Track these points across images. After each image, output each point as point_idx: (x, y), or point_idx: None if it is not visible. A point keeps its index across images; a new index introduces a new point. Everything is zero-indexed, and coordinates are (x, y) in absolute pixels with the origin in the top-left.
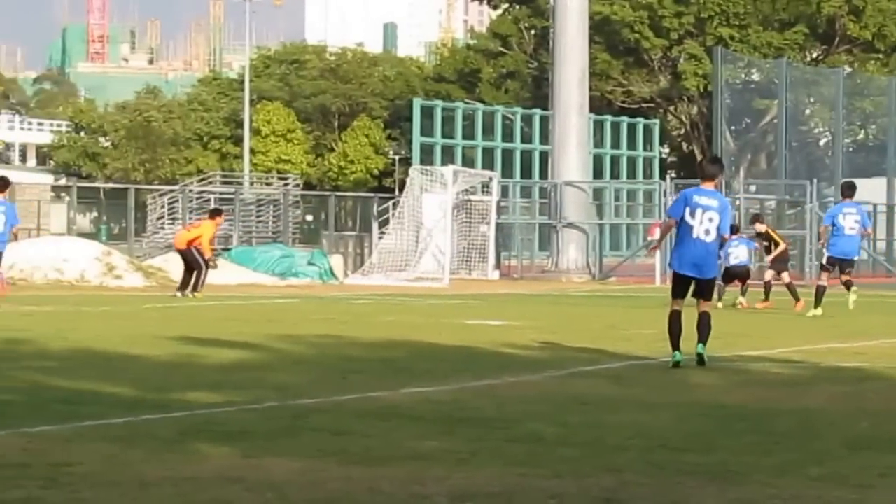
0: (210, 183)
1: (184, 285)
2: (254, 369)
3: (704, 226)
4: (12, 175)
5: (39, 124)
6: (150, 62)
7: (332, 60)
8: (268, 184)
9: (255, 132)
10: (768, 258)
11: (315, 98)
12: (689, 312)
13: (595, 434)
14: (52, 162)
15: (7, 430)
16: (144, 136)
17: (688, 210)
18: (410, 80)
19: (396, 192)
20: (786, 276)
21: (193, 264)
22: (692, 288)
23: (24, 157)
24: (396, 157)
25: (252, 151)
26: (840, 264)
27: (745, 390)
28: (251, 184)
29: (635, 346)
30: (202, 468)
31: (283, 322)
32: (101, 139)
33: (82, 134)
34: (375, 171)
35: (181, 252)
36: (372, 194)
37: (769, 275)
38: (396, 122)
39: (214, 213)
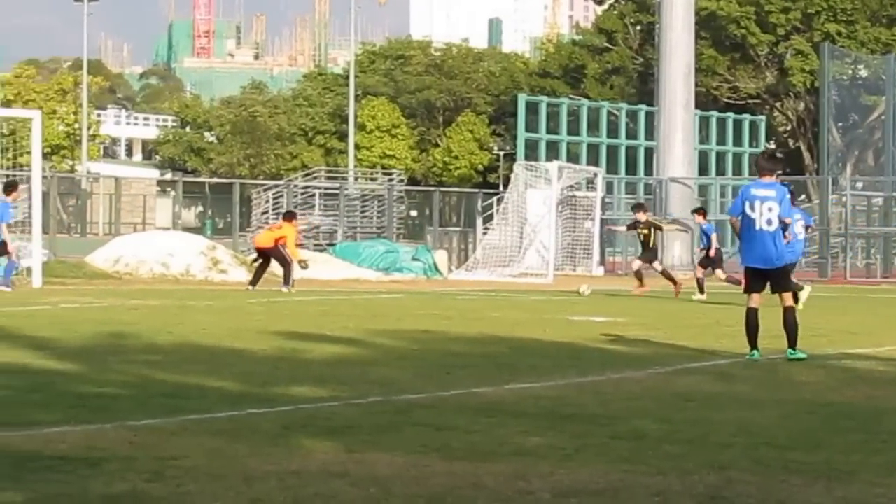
0: (315, 178)
1: (256, 280)
2: (358, 364)
3: (765, 216)
4: (119, 170)
5: (145, 119)
6: (256, 57)
7: (437, 56)
8: (372, 179)
9: (360, 127)
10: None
11: (420, 93)
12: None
13: (699, 431)
14: (157, 157)
15: (113, 423)
16: (250, 132)
17: (747, 204)
18: (515, 75)
19: (501, 187)
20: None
21: (282, 261)
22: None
23: (130, 152)
24: (501, 153)
25: (357, 147)
26: None
27: (851, 388)
28: (356, 179)
29: (740, 342)
30: (306, 462)
31: (387, 317)
32: (207, 134)
33: (188, 129)
34: (480, 167)
35: (267, 251)
36: (476, 190)
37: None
38: (501, 118)
39: (290, 216)
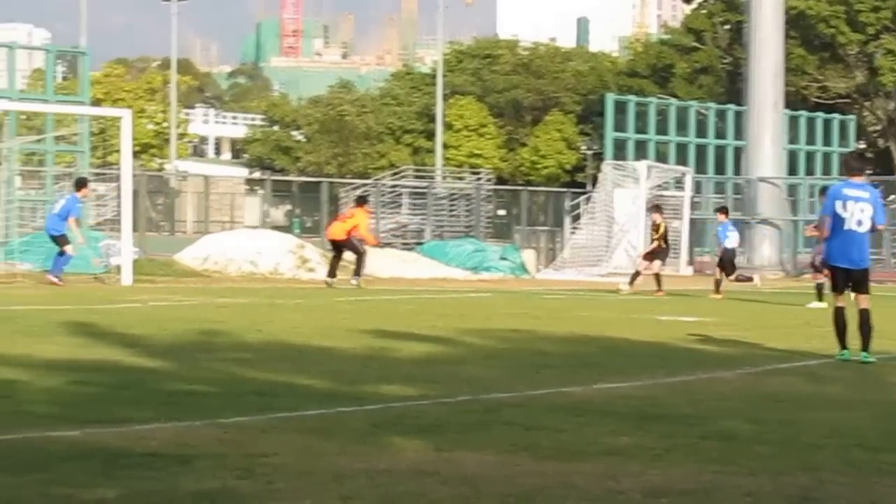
0: (403, 177)
1: (332, 272)
2: (446, 363)
3: (856, 217)
4: (207, 168)
5: (234, 118)
6: (344, 56)
7: (524, 55)
8: (460, 178)
9: (448, 127)
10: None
11: (507, 93)
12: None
13: (790, 432)
14: (245, 155)
15: (204, 420)
16: (337, 130)
17: (839, 203)
18: (603, 74)
19: (588, 186)
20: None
21: (354, 251)
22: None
23: (218, 151)
24: (589, 152)
25: (444, 146)
26: None
27: None
28: (443, 178)
29: (829, 343)
30: (396, 461)
31: (475, 316)
32: (295, 133)
33: (276, 128)
34: (567, 166)
35: (339, 242)
36: (564, 189)
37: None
38: (589, 117)
39: (362, 201)
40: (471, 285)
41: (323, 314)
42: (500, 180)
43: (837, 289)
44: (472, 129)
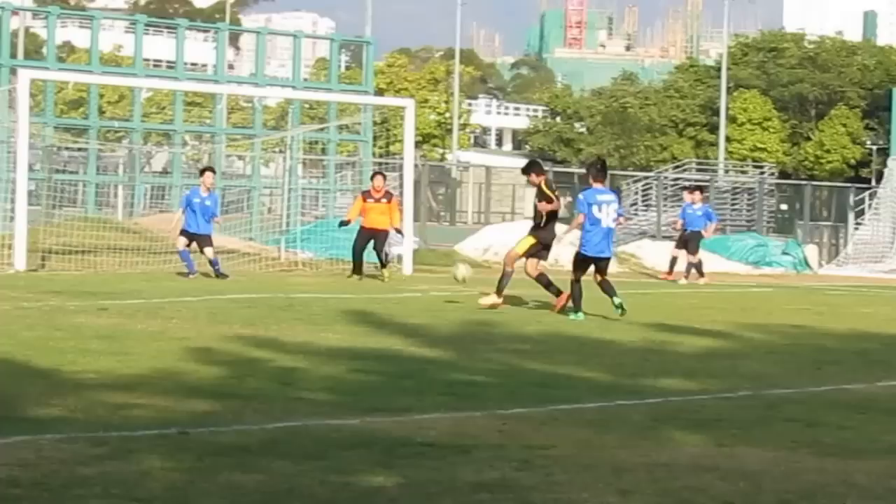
0: (685, 170)
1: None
2: (727, 357)
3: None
4: (488, 159)
5: (516, 109)
6: (627, 48)
7: (810, 49)
8: (742, 172)
9: (731, 120)
10: None
11: (792, 86)
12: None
13: None
14: (527, 147)
15: (483, 411)
16: (620, 123)
17: (595, 207)
18: (890, 69)
19: (873, 182)
20: None
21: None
22: None
23: (499, 142)
24: (874, 148)
25: (727, 139)
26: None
27: None
28: (726, 172)
29: None
30: (675, 455)
31: (756, 311)
32: (577, 125)
33: (557, 119)
34: (852, 161)
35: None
36: (848, 184)
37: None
38: (874, 112)
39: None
40: (752, 280)
41: (602, 306)
42: (783, 174)
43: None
44: (755, 123)
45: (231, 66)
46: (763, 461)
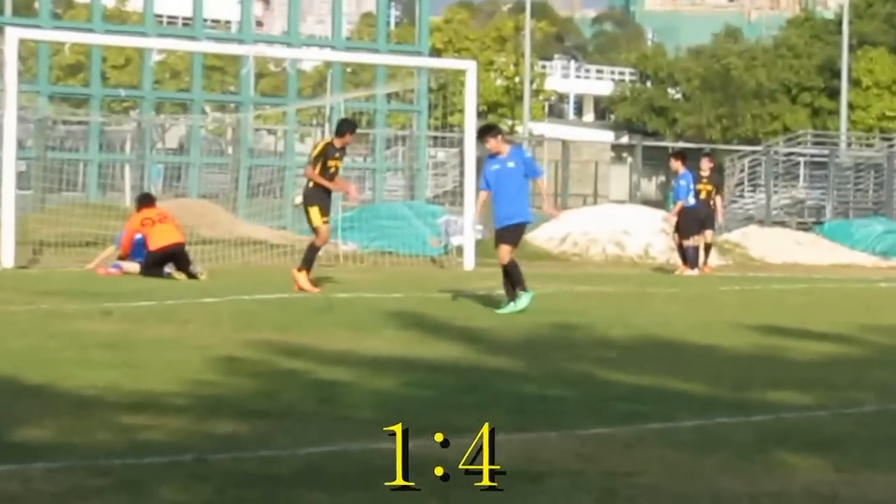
0: (799, 143)
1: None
2: (849, 366)
3: None
4: (567, 132)
5: (598, 72)
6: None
7: None
8: (869, 145)
9: (855, 84)
10: None
11: None
12: None
13: None
14: (612, 117)
15: (558, 431)
16: (722, 87)
17: None
18: None
19: None
20: None
21: None
22: None
23: (579, 111)
24: None
25: (850, 106)
26: None
27: None
28: (849, 145)
29: None
30: (787, 483)
31: (884, 310)
32: (671, 91)
33: (648, 84)
34: None
35: None
36: None
37: None
38: None
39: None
40: (879, 273)
41: (702, 306)
42: None
43: None
44: (883, 87)
45: (259, 24)
46: (891, 489)
